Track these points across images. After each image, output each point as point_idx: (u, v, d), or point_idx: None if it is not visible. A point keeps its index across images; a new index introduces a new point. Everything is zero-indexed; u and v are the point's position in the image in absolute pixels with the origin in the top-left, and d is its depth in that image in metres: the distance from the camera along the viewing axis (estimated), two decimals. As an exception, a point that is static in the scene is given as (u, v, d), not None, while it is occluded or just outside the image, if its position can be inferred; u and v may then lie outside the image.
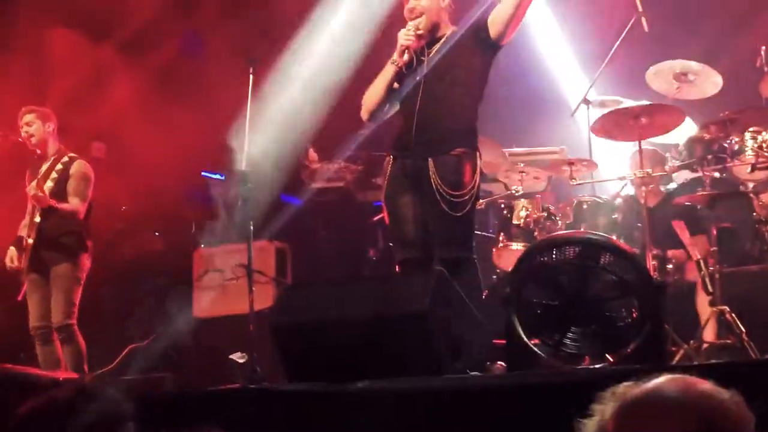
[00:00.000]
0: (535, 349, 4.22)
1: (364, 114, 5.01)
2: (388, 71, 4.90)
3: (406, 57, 4.82)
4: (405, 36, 4.81)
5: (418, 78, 4.81)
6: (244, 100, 5.42)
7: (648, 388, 1.80)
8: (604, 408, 1.81)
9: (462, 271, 4.62)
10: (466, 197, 4.69)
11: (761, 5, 7.11)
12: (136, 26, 7.96)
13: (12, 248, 6.02)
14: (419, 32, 4.81)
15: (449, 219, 4.67)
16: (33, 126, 6.07)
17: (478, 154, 4.82)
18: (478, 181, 4.77)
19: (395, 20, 5.15)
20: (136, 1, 7.99)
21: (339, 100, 8.00)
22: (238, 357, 5.92)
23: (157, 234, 8.08)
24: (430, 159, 4.71)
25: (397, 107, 5.02)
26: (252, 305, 5.21)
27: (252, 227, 5.34)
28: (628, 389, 1.82)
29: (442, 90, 4.79)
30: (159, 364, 6.67)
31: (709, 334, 5.49)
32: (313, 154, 7.91)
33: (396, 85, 4.94)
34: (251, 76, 5.33)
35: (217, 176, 8.48)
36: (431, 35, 4.89)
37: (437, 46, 4.86)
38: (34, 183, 5.84)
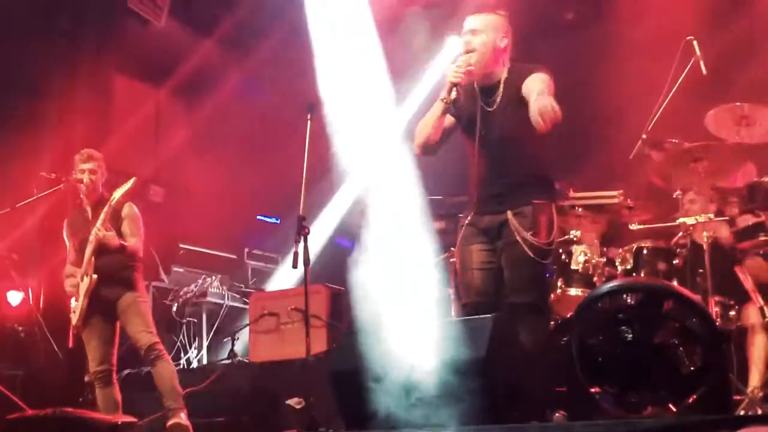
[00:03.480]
0: (597, 397, 4.15)
1: (414, 148, 4.95)
2: (437, 107, 4.80)
3: (454, 94, 4.72)
4: (454, 72, 4.69)
5: (480, 128, 4.74)
6: (302, 144, 5.46)
7: None
8: None
9: (531, 318, 4.56)
10: (548, 245, 4.64)
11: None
12: (193, 71, 8.10)
13: (72, 299, 6.10)
14: (470, 68, 4.69)
15: (528, 264, 4.61)
16: (96, 174, 6.16)
17: (553, 205, 4.76)
18: (556, 232, 4.70)
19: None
20: (192, 46, 8.13)
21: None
22: (294, 402, 5.90)
23: (213, 278, 8.13)
24: (508, 211, 4.68)
25: (447, 143, 4.98)
26: (309, 350, 5.20)
27: (308, 271, 5.34)
28: None
29: (509, 138, 4.72)
30: (217, 408, 6.66)
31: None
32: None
33: (449, 121, 4.89)
34: (309, 121, 5.35)
35: (273, 220, 8.55)
36: (486, 78, 4.81)
37: (498, 92, 4.78)
38: (99, 224, 5.91)
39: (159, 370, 5.94)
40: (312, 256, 5.25)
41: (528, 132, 4.55)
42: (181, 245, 7.97)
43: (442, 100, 4.76)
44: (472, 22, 4.84)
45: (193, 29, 8.31)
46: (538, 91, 4.49)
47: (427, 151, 4.93)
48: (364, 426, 4.02)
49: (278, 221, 8.98)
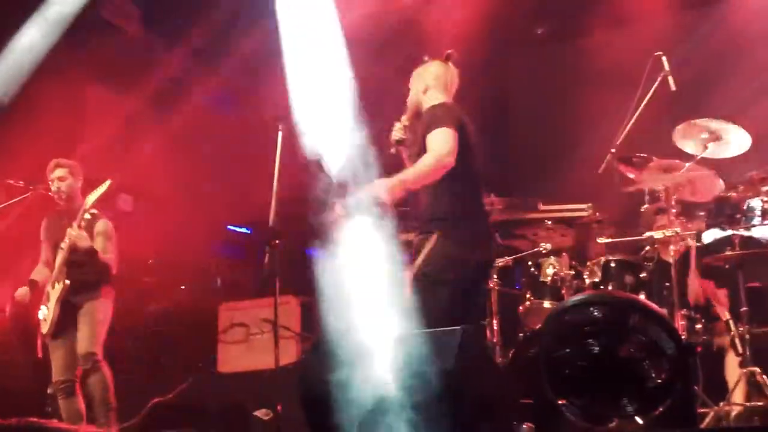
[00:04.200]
0: (564, 409, 4.18)
1: None
2: None
3: (393, 151, 5.01)
4: (395, 132, 4.99)
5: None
6: (272, 155, 5.46)
7: None
8: None
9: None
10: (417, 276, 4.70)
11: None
12: (165, 80, 8.07)
13: (43, 307, 6.06)
14: (406, 124, 4.98)
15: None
16: (66, 181, 6.14)
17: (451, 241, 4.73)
18: (439, 265, 4.70)
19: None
20: (164, 55, 8.11)
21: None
22: (262, 414, 5.88)
23: (183, 287, 8.10)
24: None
25: None
26: (278, 360, 5.19)
27: (278, 282, 5.34)
28: None
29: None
30: (183, 420, 6.63)
31: (738, 396, 5.41)
32: (340, 207, 7.91)
33: None
34: (279, 132, 5.36)
35: (244, 230, 8.53)
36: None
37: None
38: (76, 226, 5.88)
39: (92, 380, 5.90)
40: (284, 266, 5.25)
41: None
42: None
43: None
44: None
45: (165, 39, 8.28)
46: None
47: None
48: (331, 438, 4.01)
49: (250, 231, 8.96)
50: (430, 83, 4.96)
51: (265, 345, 6.83)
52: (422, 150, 4.70)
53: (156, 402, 7.02)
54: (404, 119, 5.01)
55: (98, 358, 5.93)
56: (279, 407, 5.22)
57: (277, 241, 5.23)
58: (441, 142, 4.59)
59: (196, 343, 7.49)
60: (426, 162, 4.60)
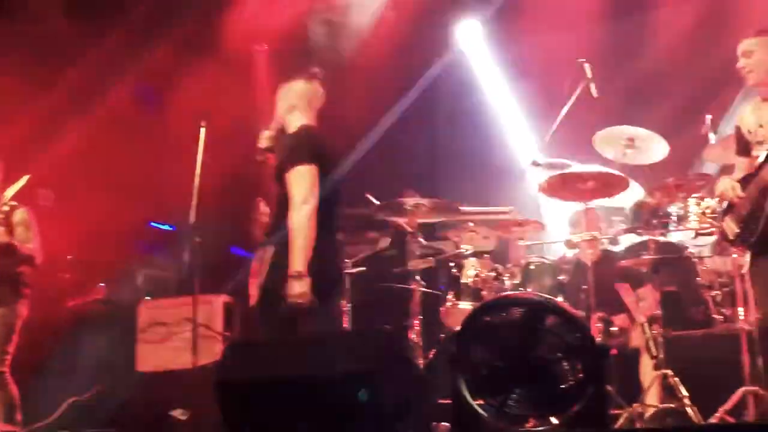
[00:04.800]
0: (480, 409, 4.21)
1: None
2: None
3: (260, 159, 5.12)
4: (261, 141, 5.10)
5: None
6: (195, 152, 5.41)
7: None
8: None
9: None
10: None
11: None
12: (87, 73, 7.94)
13: None
14: (273, 134, 5.09)
15: None
16: None
17: None
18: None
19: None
20: (88, 49, 7.98)
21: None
22: (179, 414, 5.81)
23: (102, 284, 7.96)
24: None
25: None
26: (196, 360, 5.14)
27: (198, 280, 5.29)
28: None
29: None
30: (100, 419, 6.52)
31: (652, 397, 5.52)
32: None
33: None
34: (202, 129, 5.32)
35: (166, 227, 8.41)
36: None
37: None
38: None
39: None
40: (208, 265, 5.21)
41: None
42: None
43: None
44: None
45: (89, 30, 8.14)
46: None
47: None
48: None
49: (173, 228, 8.84)
50: (294, 102, 5.02)
51: (185, 344, 6.70)
52: (284, 165, 4.77)
53: (72, 401, 6.90)
54: (271, 129, 5.08)
55: (5, 377, 5.82)
56: (197, 407, 5.15)
57: (198, 239, 5.17)
58: (301, 187, 4.67)
59: (115, 342, 7.36)
60: (299, 219, 4.63)
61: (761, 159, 4.82)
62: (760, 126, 4.91)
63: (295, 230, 4.56)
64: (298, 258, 4.51)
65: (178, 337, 7.06)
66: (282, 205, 4.74)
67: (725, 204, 5.04)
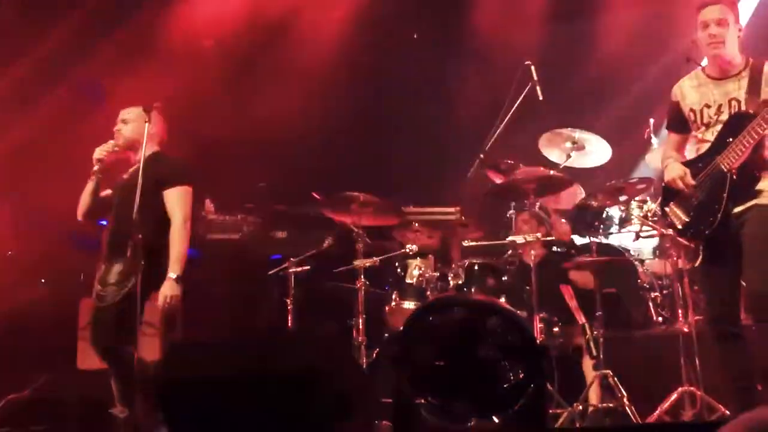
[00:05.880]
0: (421, 408, 4.23)
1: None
2: (89, 184, 5.70)
3: (97, 167, 5.53)
4: (99, 151, 5.50)
5: None
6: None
7: None
8: None
9: None
10: None
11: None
12: (31, 66, 7.81)
13: None
14: (115, 149, 5.52)
15: None
16: None
17: None
18: None
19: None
20: (32, 41, 7.85)
21: (238, 152, 8.01)
22: (118, 411, 5.73)
23: (42, 281, 7.83)
24: None
25: None
26: (137, 358, 5.08)
27: (141, 278, 5.22)
28: None
29: None
30: (38, 417, 6.42)
31: (593, 397, 5.60)
32: (209, 205, 7.82)
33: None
34: (146, 123, 5.25)
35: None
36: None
37: None
38: None
39: None
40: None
41: None
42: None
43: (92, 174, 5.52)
44: None
45: (36, 22, 8.00)
46: None
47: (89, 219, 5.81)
48: (188, 436, 3.96)
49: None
50: (150, 130, 5.30)
51: (127, 342, 6.65)
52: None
53: (11, 398, 6.78)
54: (115, 145, 5.49)
55: None
56: (137, 405, 5.10)
57: (140, 236, 5.10)
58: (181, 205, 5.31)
59: (55, 339, 7.24)
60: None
61: (710, 145, 4.48)
62: (707, 106, 4.54)
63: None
64: None
65: (120, 334, 6.96)
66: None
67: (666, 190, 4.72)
